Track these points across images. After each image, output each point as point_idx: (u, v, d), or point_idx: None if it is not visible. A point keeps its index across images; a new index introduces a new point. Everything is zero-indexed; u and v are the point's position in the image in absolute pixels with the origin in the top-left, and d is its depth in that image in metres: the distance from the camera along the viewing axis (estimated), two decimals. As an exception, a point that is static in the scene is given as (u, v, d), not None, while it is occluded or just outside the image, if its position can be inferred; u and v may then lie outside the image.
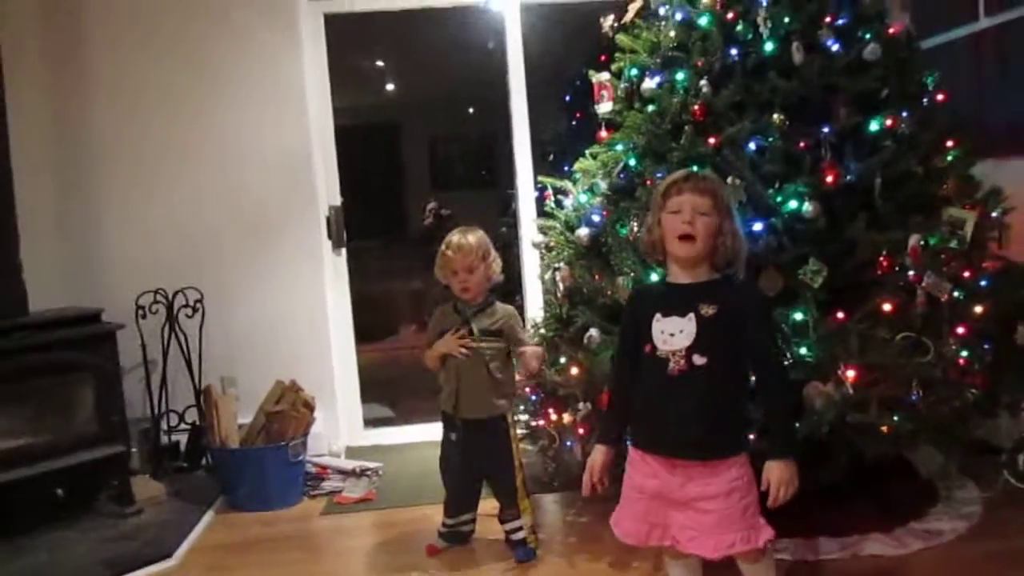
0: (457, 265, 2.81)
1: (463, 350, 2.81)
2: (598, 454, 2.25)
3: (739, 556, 2.19)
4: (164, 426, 4.00)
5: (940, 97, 3.07)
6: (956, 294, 2.75)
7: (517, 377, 3.00)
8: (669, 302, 2.15)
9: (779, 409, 2.16)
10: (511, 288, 4.36)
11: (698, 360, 2.09)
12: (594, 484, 2.25)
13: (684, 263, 2.16)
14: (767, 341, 2.19)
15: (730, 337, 2.10)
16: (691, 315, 2.11)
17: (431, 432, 4.11)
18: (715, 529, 2.11)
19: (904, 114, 2.89)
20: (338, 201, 4.33)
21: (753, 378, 2.19)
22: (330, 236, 4.26)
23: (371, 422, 4.59)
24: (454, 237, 2.84)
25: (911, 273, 2.71)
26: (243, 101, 4.08)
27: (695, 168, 2.28)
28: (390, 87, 9.28)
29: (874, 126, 2.88)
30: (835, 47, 2.91)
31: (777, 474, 2.10)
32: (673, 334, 2.11)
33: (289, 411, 3.60)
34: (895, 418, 2.59)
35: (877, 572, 2.67)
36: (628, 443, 2.26)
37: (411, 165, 10.05)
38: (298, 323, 4.15)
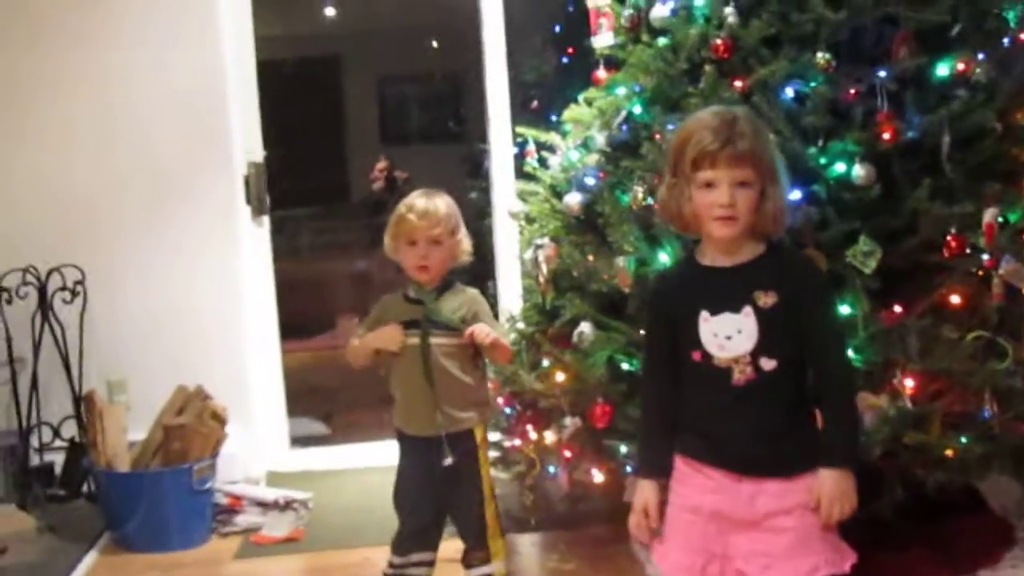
0: (420, 234, 2.81)
1: (396, 342, 2.82)
2: (649, 491, 2.26)
3: None
4: (35, 443, 3.99)
5: (1024, 36, 3.11)
6: (1042, 284, 2.79)
7: (490, 384, 3.02)
8: (714, 295, 2.17)
9: (841, 411, 2.19)
10: (481, 270, 4.39)
11: (766, 364, 2.13)
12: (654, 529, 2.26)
13: (724, 244, 2.19)
14: (830, 330, 2.22)
15: (795, 329, 2.15)
16: (747, 308, 2.13)
17: (375, 454, 4.15)
18: (794, 551, 2.15)
19: (980, 56, 2.92)
20: (260, 157, 4.32)
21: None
22: (249, 201, 4.26)
23: (300, 441, 4.60)
24: (419, 200, 2.85)
25: (985, 257, 2.75)
26: (136, 27, 4.06)
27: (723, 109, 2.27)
28: (329, 11, 9.26)
29: (942, 70, 2.91)
30: (894, -31, 2.94)
31: (832, 486, 2.13)
32: (730, 336, 2.14)
33: (194, 425, 3.60)
34: (963, 439, 2.63)
35: (937, 632, 2.73)
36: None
37: (355, 113, 10.02)
38: (206, 313, 4.15)
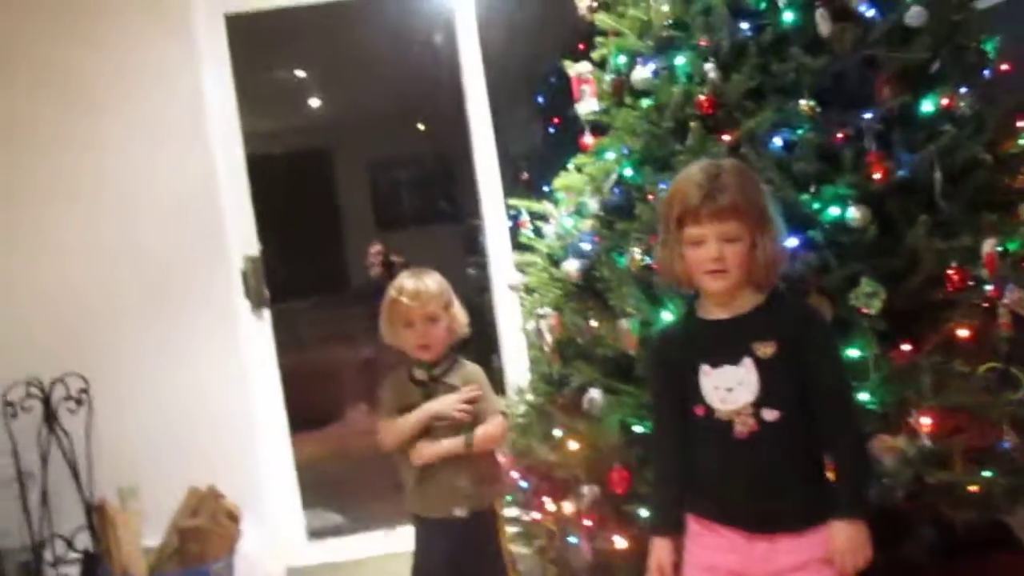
0: (415, 315, 2.85)
1: (464, 409, 2.84)
2: (663, 551, 2.28)
3: None
4: (49, 556, 3.95)
5: (1005, 67, 3.13)
6: (1048, 311, 2.78)
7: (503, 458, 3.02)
8: (714, 348, 2.19)
9: (849, 458, 2.19)
10: (485, 345, 4.38)
11: (768, 416, 2.13)
12: None
13: (720, 297, 2.19)
14: (834, 376, 2.22)
15: (797, 378, 2.15)
16: (746, 360, 2.15)
17: (394, 541, 4.10)
18: None
19: (963, 90, 2.94)
20: (255, 250, 4.34)
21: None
22: (248, 295, 4.27)
23: (317, 533, 4.56)
24: (407, 281, 2.90)
25: (989, 288, 2.74)
26: (127, 132, 4.11)
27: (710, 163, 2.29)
28: (314, 103, 9.34)
29: (927, 107, 2.92)
30: (870, 12, 2.95)
31: (844, 537, 2.12)
32: (731, 388, 2.16)
33: (209, 525, 3.58)
34: (986, 474, 2.60)
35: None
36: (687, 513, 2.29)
37: (348, 200, 10.07)
38: (213, 411, 4.13)
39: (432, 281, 2.91)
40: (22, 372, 3.92)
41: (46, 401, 3.93)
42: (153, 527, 3.70)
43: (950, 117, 2.92)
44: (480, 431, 2.90)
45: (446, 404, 2.87)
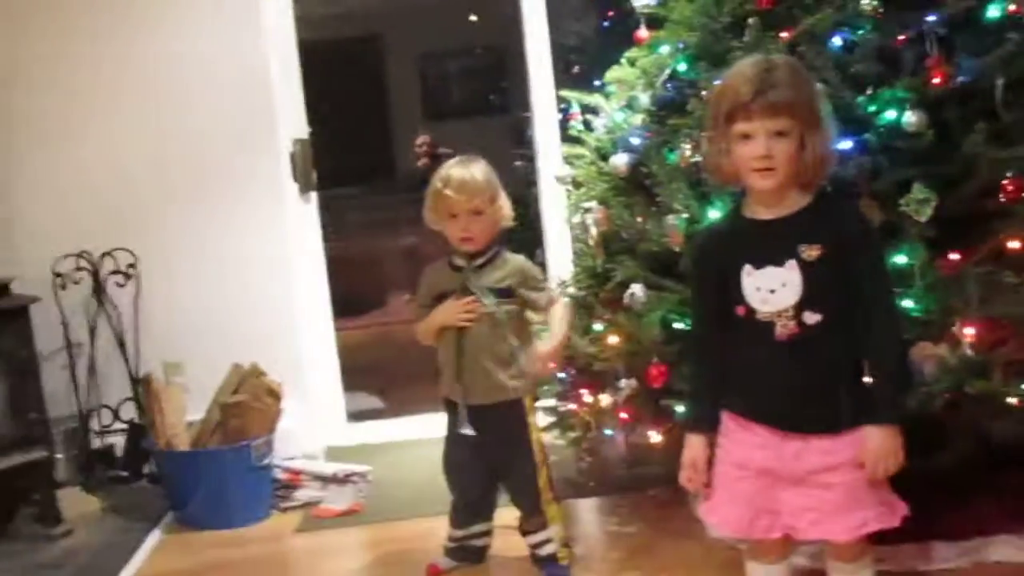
0: (460, 207, 2.82)
1: (467, 316, 2.83)
2: (697, 446, 2.30)
3: (835, 554, 2.26)
4: (95, 426, 4.05)
5: (1078, -28, 3.04)
6: (1102, 226, 2.73)
7: (539, 348, 3.02)
8: (758, 248, 2.17)
9: (887, 364, 2.17)
10: (529, 238, 4.39)
11: (811, 318, 2.12)
12: (703, 484, 2.30)
13: (767, 196, 2.17)
14: (878, 281, 2.20)
15: (842, 281, 2.13)
16: (791, 262, 2.13)
17: (432, 426, 4.15)
18: (843, 506, 2.16)
19: (1031, -4, 2.87)
20: (305, 134, 4.33)
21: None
22: (296, 178, 4.27)
23: (356, 415, 4.63)
24: (454, 171, 2.85)
25: (1044, 200, 2.69)
26: (177, 11, 4.10)
27: (761, 58, 2.25)
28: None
29: (993, 12, 2.85)
30: (937, -92, 2.88)
31: (877, 442, 2.12)
32: (774, 290, 2.14)
33: (250, 402, 3.63)
34: (1025, 387, 2.59)
35: (1007, 583, 2.68)
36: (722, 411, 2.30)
37: (397, 90, 10.04)
38: (258, 291, 4.18)
39: (479, 172, 2.86)
40: (73, 246, 3.97)
41: (95, 274, 3.99)
42: (196, 402, 3.76)
43: (1016, 23, 2.84)
44: (552, 339, 2.89)
45: (450, 313, 2.86)
